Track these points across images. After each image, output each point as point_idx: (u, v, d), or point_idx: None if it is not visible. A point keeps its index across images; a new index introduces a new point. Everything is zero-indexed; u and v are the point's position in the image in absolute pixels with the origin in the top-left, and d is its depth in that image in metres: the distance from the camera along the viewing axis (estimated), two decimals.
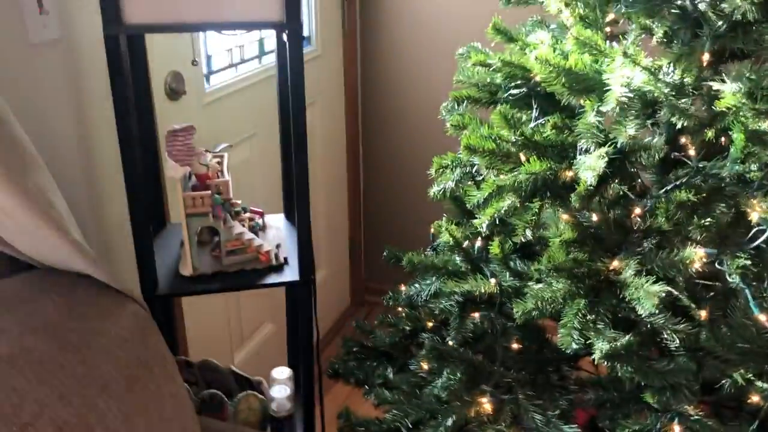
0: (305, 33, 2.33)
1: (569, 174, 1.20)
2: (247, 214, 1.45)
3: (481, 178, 1.32)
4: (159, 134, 1.49)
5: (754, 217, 1.04)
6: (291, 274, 1.36)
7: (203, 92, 1.82)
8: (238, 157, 1.97)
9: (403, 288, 1.52)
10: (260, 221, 1.47)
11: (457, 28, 2.39)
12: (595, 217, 1.21)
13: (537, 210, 1.23)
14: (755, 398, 1.15)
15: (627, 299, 1.11)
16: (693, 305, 1.15)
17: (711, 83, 1.13)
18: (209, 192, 1.29)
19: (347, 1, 2.46)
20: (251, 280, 1.35)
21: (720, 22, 1.10)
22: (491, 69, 1.33)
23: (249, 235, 1.36)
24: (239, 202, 1.43)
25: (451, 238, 1.38)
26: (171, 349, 1.13)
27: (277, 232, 1.49)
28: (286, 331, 1.77)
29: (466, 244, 1.38)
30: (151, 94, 1.48)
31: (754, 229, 1.07)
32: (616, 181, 1.22)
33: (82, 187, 1.41)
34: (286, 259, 1.39)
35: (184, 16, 1.11)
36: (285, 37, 1.18)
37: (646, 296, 1.06)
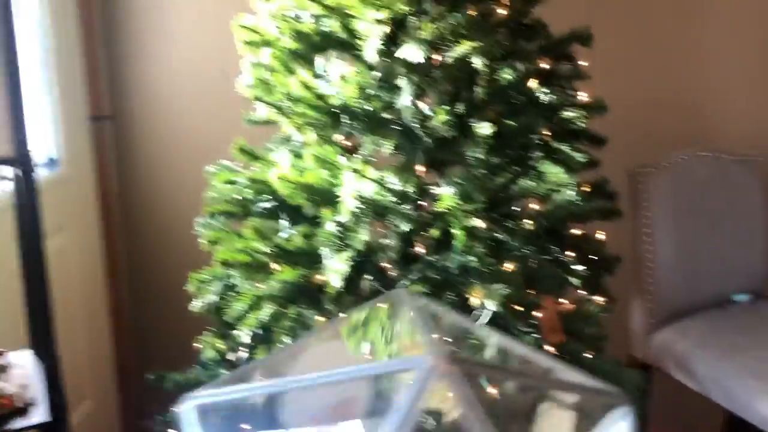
0: (54, 155, 2.24)
1: (320, 278, 1.29)
2: None
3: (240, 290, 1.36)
4: None
5: (475, 301, 1.20)
6: (40, 415, 1.26)
7: None
8: None
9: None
10: (1, 362, 1.35)
11: (211, 143, 2.44)
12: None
13: (295, 316, 1.30)
14: None
15: None
16: None
17: (431, 187, 1.31)
18: None
19: (97, 121, 2.42)
20: None
21: (429, 139, 1.28)
22: (240, 185, 1.40)
23: None
24: None
25: (215, 352, 1.38)
26: None
27: (23, 371, 1.37)
28: None
29: (231, 356, 1.39)
30: None
31: (475, 312, 1.23)
32: (367, 278, 1.33)
33: None
34: (33, 399, 1.29)
35: None
36: (19, 172, 1.15)
37: None
